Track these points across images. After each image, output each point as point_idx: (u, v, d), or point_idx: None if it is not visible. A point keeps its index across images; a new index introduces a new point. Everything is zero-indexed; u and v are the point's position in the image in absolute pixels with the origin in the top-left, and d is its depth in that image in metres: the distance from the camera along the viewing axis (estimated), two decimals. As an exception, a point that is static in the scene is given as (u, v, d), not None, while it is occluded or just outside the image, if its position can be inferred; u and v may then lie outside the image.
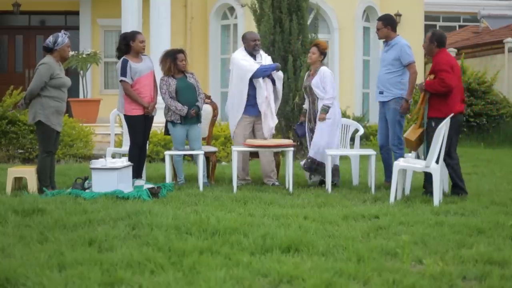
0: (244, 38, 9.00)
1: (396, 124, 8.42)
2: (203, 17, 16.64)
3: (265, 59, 8.93)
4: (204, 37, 16.55)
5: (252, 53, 8.85)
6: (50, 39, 8.04)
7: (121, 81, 8.43)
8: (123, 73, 8.36)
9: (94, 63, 14.91)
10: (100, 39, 17.14)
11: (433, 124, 7.58)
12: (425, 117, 7.71)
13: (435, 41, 7.75)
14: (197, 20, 16.65)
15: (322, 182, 8.67)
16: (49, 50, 8.04)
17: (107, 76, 17.22)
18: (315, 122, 8.67)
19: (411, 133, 7.78)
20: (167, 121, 8.73)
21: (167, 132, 8.82)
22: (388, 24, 8.63)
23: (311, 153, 8.56)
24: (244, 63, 8.72)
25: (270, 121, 8.76)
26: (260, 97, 8.70)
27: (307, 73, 8.98)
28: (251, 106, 8.77)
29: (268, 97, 8.74)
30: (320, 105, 8.59)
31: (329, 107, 8.53)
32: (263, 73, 8.70)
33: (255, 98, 8.74)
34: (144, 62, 8.55)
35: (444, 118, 7.42)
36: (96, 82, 17.00)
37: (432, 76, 7.67)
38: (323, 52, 8.72)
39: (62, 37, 8.03)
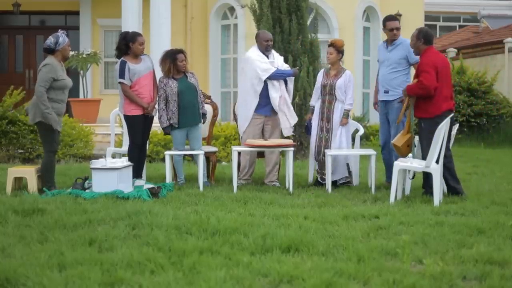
0: (257, 37, 8.97)
1: (400, 124, 8.43)
2: (203, 17, 16.64)
3: (277, 59, 8.92)
4: (204, 37, 16.55)
5: (264, 52, 8.85)
6: (51, 40, 7.99)
7: (119, 82, 8.44)
8: (121, 74, 8.38)
9: (94, 63, 14.92)
10: (100, 39, 17.14)
11: (422, 125, 7.62)
12: (412, 122, 7.74)
13: (422, 38, 7.73)
14: (197, 20, 16.65)
15: (335, 183, 8.64)
16: (50, 51, 8.00)
17: (107, 76, 17.22)
18: (328, 121, 8.68)
19: (399, 138, 7.81)
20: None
21: (166, 132, 8.81)
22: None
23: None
24: (260, 64, 8.68)
25: (290, 119, 8.77)
26: (273, 98, 8.70)
27: (322, 72, 8.90)
28: (263, 105, 8.77)
29: (283, 96, 8.74)
30: (338, 106, 8.64)
31: (349, 111, 8.69)
32: (279, 76, 8.72)
33: (267, 98, 8.73)
34: (144, 63, 8.54)
35: (431, 119, 7.45)
36: (96, 82, 17.00)
37: (416, 80, 7.70)
38: (340, 51, 8.74)
39: (63, 37, 8.02)
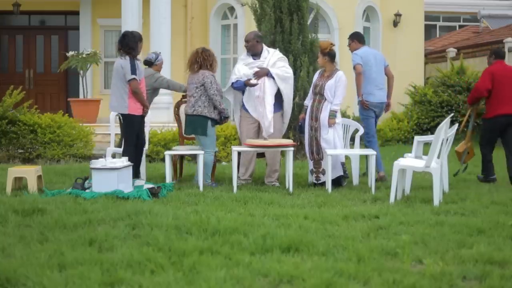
0: None
1: (364, 121, 9.39)
2: (203, 17, 16.64)
3: (271, 55, 8.93)
4: (204, 37, 16.54)
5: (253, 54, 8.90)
6: (153, 55, 9.37)
7: (132, 79, 8.26)
8: (133, 71, 8.24)
9: (94, 63, 14.91)
10: (100, 39, 17.12)
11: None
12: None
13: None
14: (197, 20, 16.65)
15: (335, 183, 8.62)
16: (150, 64, 9.28)
17: (107, 76, 17.18)
18: (316, 120, 8.66)
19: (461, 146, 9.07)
20: (211, 119, 8.64)
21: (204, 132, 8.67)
22: (355, 38, 9.94)
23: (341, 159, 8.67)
24: (232, 75, 8.98)
25: (264, 120, 8.69)
26: (246, 99, 8.80)
27: (318, 72, 8.89)
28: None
29: (261, 96, 8.71)
30: (327, 106, 8.61)
31: (336, 112, 8.62)
32: (236, 88, 8.88)
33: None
34: (141, 64, 8.68)
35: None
36: (96, 82, 16.98)
37: None
38: (325, 53, 8.70)
39: (160, 56, 9.44)
